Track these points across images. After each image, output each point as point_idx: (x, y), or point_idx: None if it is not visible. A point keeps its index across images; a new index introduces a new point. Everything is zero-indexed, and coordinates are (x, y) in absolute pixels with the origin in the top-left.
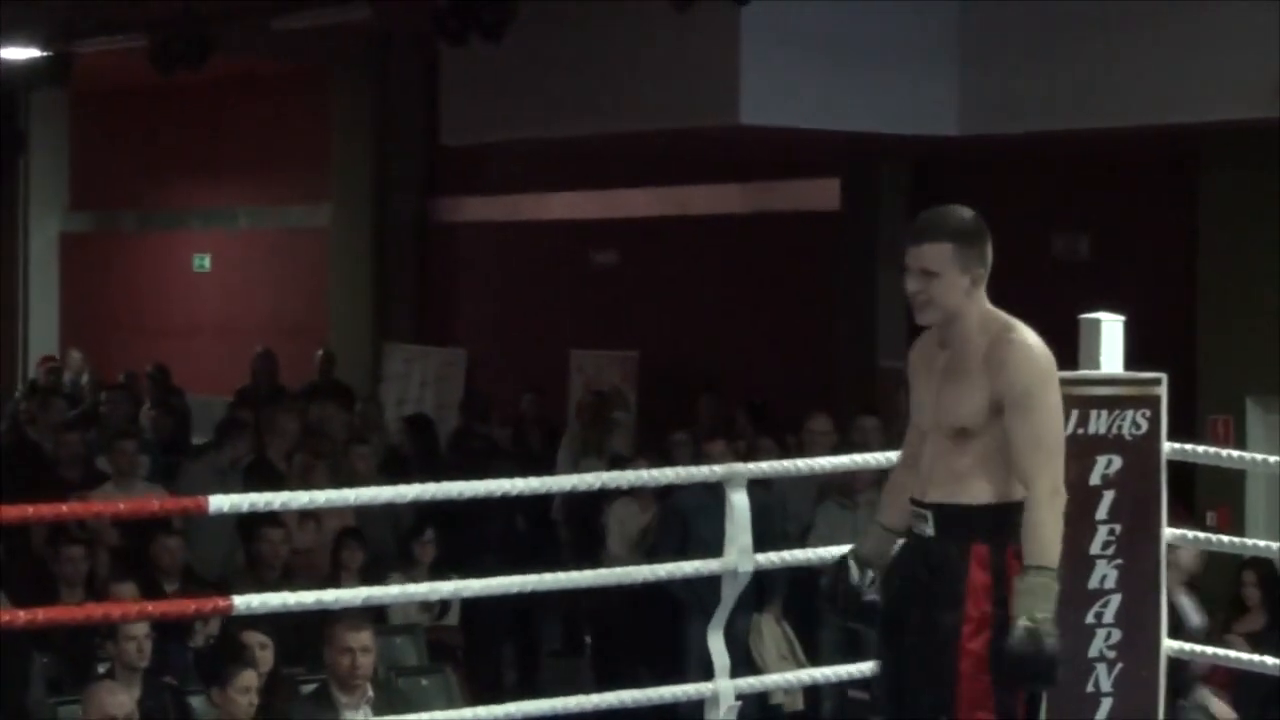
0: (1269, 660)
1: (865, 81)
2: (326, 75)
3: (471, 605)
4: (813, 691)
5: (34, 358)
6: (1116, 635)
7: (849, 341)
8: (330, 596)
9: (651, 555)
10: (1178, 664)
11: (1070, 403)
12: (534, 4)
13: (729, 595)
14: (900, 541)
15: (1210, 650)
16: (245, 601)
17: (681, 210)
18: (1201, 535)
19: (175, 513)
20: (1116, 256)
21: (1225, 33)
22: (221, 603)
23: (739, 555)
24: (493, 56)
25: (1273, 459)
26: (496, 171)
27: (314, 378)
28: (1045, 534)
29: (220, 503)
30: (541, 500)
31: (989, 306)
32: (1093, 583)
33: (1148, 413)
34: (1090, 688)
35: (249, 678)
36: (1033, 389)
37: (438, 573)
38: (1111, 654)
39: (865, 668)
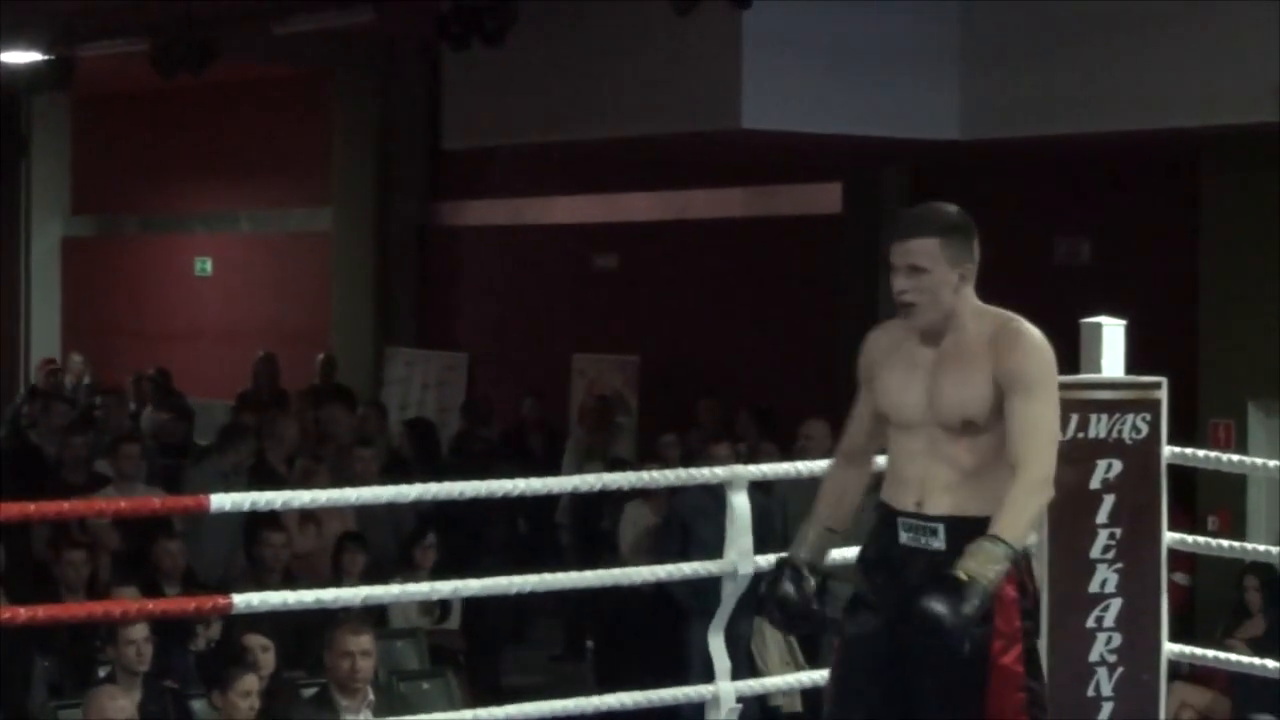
0: (1270, 664)
1: (867, 85)
2: (328, 79)
3: (472, 609)
4: (812, 694)
5: (35, 362)
6: (1117, 639)
7: (851, 346)
8: (329, 595)
9: (653, 558)
10: None
11: (1071, 406)
12: (536, 7)
13: (729, 597)
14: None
15: (1212, 654)
16: (245, 600)
17: (683, 214)
18: (1202, 540)
19: (176, 511)
20: (1118, 261)
21: (1226, 37)
22: (221, 602)
23: (739, 557)
24: (494, 60)
25: (1273, 463)
26: (498, 175)
27: (315, 381)
28: (1023, 516)
29: (221, 501)
30: (544, 505)
31: (978, 302)
32: (1093, 587)
33: (1148, 417)
34: (1091, 692)
35: (250, 681)
36: (1038, 375)
37: (439, 577)
38: (1112, 658)
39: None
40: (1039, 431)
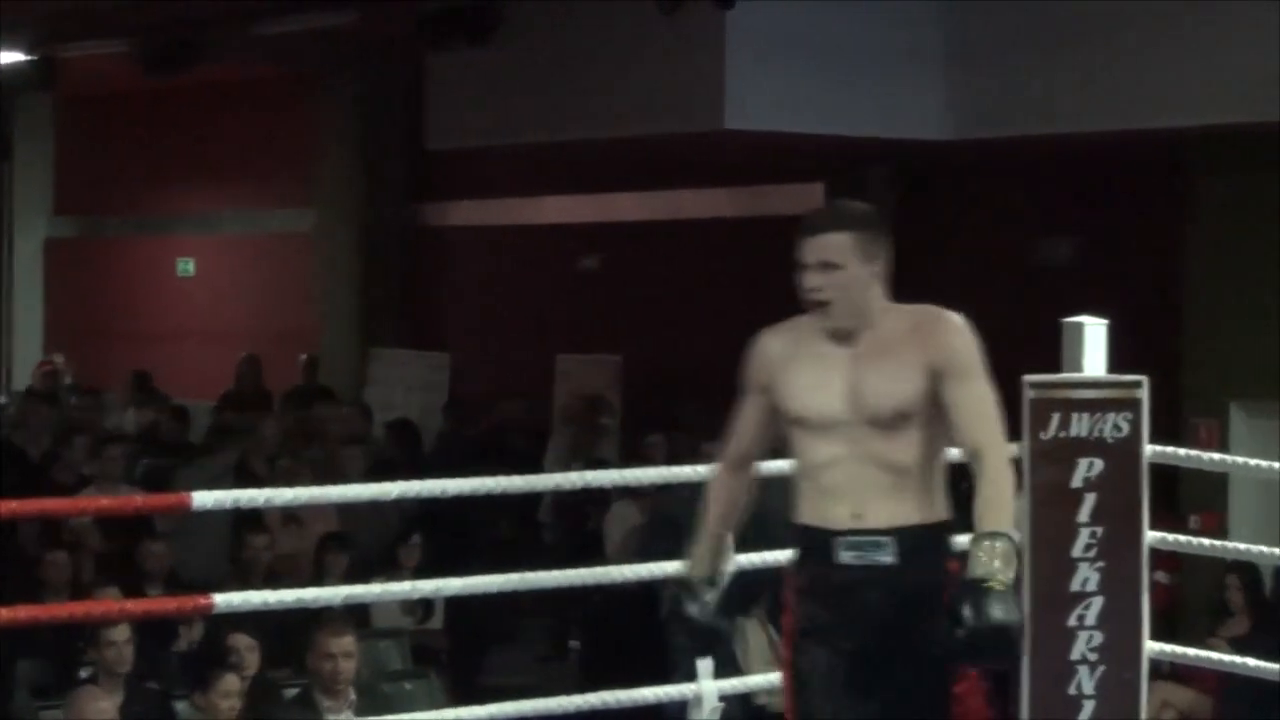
0: (1252, 662)
1: (851, 86)
2: (312, 80)
3: (456, 609)
4: None
5: (19, 364)
6: (1098, 638)
7: None
8: (310, 595)
9: (640, 558)
10: None
11: (1052, 406)
12: (520, 8)
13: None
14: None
15: (1194, 653)
16: (226, 600)
17: (667, 215)
18: (1184, 539)
19: (158, 511)
20: (1102, 261)
21: (1213, 37)
22: (202, 602)
23: None
24: (480, 61)
25: (1255, 462)
26: (483, 176)
27: (298, 382)
28: (1009, 501)
29: (203, 499)
30: (528, 506)
31: (886, 301)
32: (1074, 585)
33: (1129, 415)
34: (1073, 690)
35: (231, 681)
36: (973, 356)
37: (423, 577)
38: (1094, 656)
39: None
40: (990, 412)
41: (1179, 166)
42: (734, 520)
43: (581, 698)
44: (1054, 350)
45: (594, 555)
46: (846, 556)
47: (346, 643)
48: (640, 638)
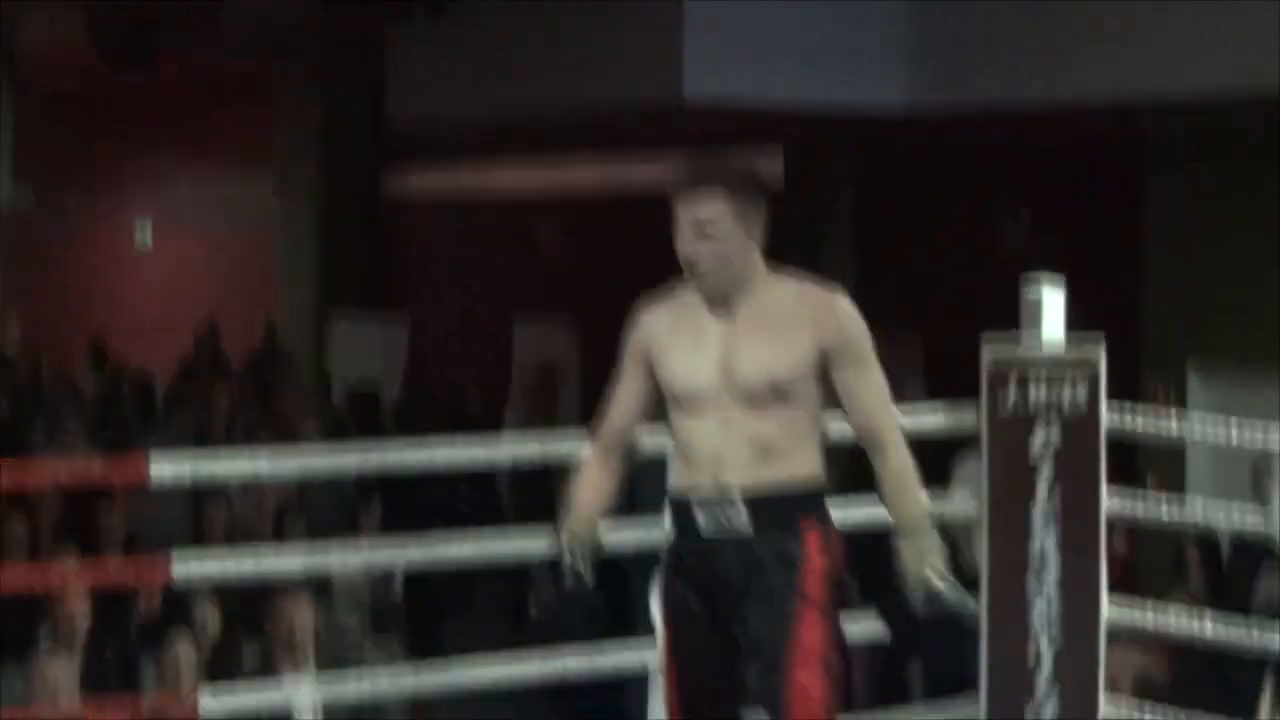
0: (1208, 626)
1: (812, 56)
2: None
3: (414, 575)
4: None
5: None
6: (1056, 604)
7: None
8: (270, 563)
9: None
10: None
11: (1008, 375)
12: None
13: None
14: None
15: (1151, 617)
16: (185, 568)
17: (625, 185)
18: (1141, 505)
19: (117, 480)
20: (1061, 232)
21: (1175, 7)
22: (161, 568)
23: None
24: (439, 31)
25: (1212, 429)
26: (443, 144)
27: (256, 349)
28: (915, 488)
29: (161, 470)
30: (487, 475)
31: (765, 267)
32: (1032, 551)
33: (1086, 381)
34: (1030, 658)
35: (190, 647)
36: (869, 344)
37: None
38: (1051, 623)
39: None
40: (886, 400)
41: (1142, 134)
42: (603, 506)
43: (543, 662)
44: (1010, 317)
45: (551, 521)
46: (706, 525)
47: (304, 607)
48: (606, 601)
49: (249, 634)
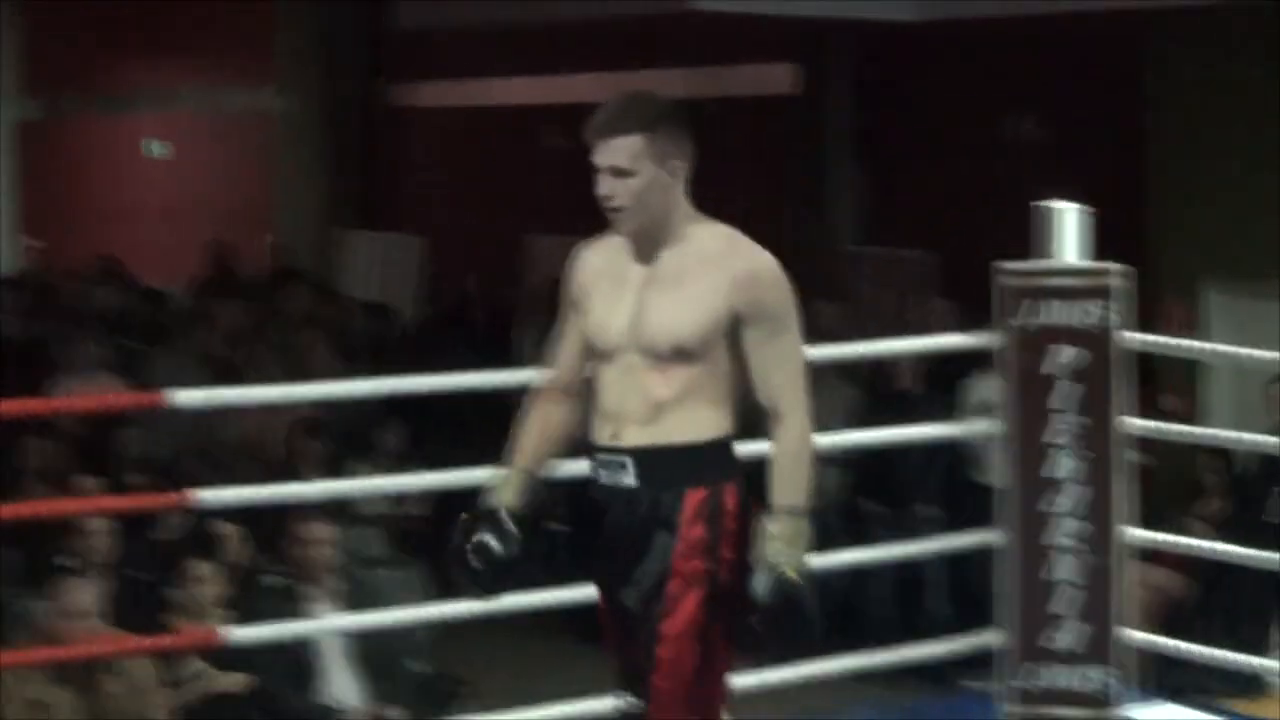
0: (1227, 548)
1: None
2: None
3: (438, 492)
4: None
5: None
6: (1073, 524)
7: (804, 227)
8: (294, 490)
9: None
10: None
11: (1024, 292)
12: None
13: None
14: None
15: (1171, 539)
16: (207, 496)
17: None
18: (1161, 425)
19: (134, 407)
20: (1070, 141)
21: None
22: (184, 496)
23: None
24: None
25: (1230, 348)
26: (448, 55)
27: (265, 265)
28: (804, 471)
29: (180, 397)
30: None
31: (695, 211)
32: (1048, 471)
33: (1105, 302)
34: (1046, 575)
35: (212, 569)
36: (787, 308)
37: (402, 462)
38: (1069, 541)
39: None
40: (796, 370)
41: (1144, 41)
42: (547, 454)
43: (571, 591)
44: (1021, 230)
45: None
46: (602, 475)
47: (324, 530)
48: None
49: (271, 557)
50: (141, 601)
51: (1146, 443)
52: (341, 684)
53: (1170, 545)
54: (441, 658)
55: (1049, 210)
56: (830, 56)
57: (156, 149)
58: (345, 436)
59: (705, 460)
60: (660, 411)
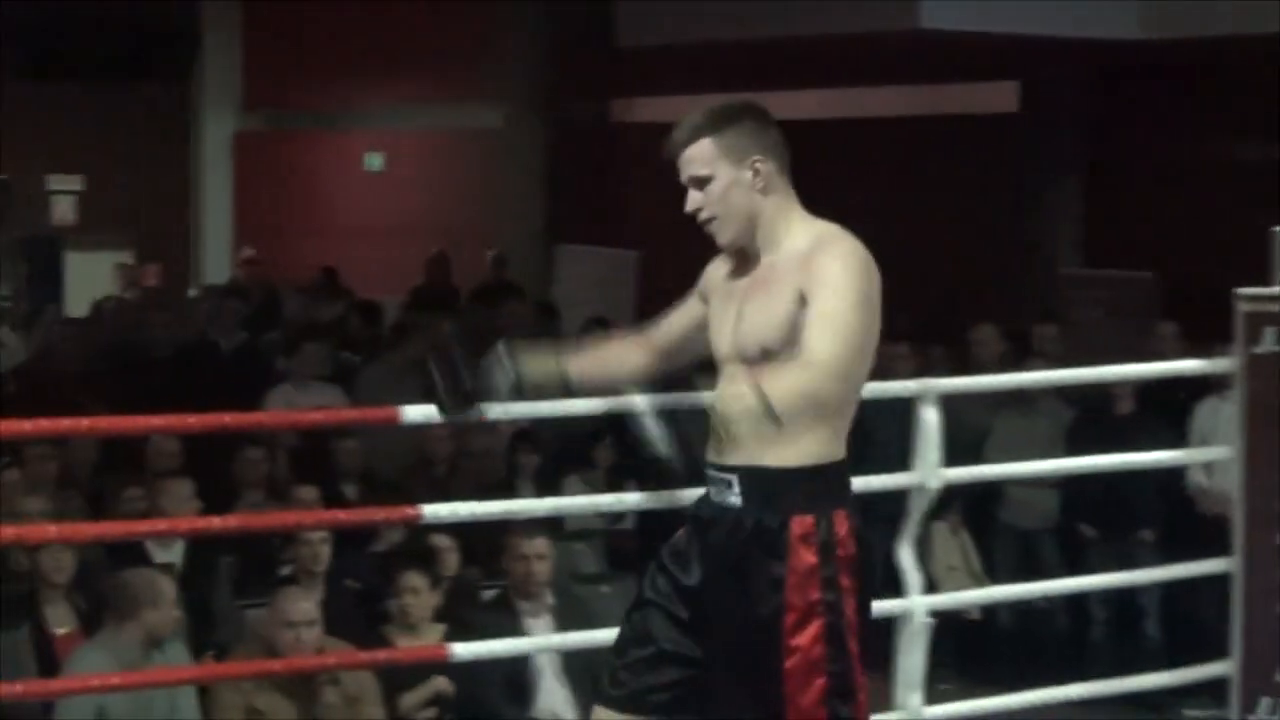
0: None
1: None
2: None
3: (647, 510)
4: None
5: (208, 259)
6: None
7: (1026, 247)
8: (516, 506)
9: None
10: None
11: (1265, 319)
12: None
13: (917, 510)
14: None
15: None
16: (433, 511)
17: (853, 112)
18: None
19: (365, 423)
20: None
21: None
22: (409, 512)
23: (928, 471)
24: None
25: None
26: (672, 72)
27: (486, 279)
28: (790, 385)
29: (412, 414)
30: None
31: (803, 211)
32: None
33: None
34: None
35: (427, 582)
36: (846, 278)
37: (616, 476)
38: None
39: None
40: (834, 323)
41: None
42: (593, 375)
43: None
44: (1258, 253)
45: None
46: (712, 493)
47: (539, 544)
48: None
49: (481, 570)
50: (356, 611)
51: None
52: (555, 699)
53: None
54: None
55: None
56: (1057, 75)
57: (377, 163)
58: (560, 451)
59: (812, 484)
60: (763, 428)
